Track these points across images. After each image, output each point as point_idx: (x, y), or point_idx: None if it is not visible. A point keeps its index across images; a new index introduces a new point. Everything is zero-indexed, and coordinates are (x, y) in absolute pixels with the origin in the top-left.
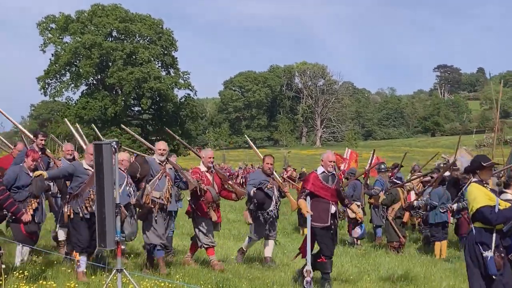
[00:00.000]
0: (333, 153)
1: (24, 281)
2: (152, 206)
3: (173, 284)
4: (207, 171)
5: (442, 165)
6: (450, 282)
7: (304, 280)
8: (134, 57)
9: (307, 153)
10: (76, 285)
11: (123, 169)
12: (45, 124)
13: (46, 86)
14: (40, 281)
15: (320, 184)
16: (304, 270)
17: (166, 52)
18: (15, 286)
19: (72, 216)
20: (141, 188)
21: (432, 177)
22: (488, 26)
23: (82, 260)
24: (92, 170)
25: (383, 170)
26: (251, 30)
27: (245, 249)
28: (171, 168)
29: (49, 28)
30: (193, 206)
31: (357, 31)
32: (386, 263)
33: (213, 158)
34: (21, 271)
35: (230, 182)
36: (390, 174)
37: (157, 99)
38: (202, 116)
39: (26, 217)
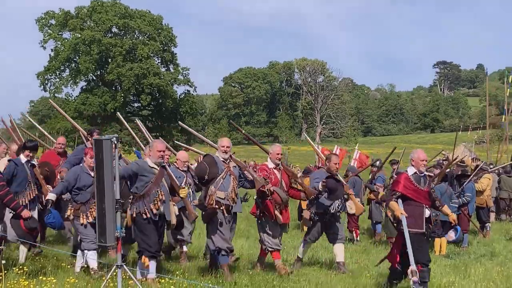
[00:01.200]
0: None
1: (24, 277)
2: (217, 207)
3: (173, 280)
4: (275, 168)
5: (442, 161)
6: (450, 278)
7: (411, 280)
8: (133, 53)
9: (307, 150)
10: (76, 281)
11: (181, 168)
12: (45, 120)
13: (46, 82)
14: (40, 277)
15: (412, 186)
16: (409, 270)
17: (165, 48)
18: (15, 281)
19: (135, 217)
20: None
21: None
22: (488, 22)
23: (152, 266)
24: (158, 169)
25: (378, 166)
26: (250, 26)
27: (301, 256)
28: (235, 166)
29: (49, 24)
30: (259, 206)
31: (357, 27)
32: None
33: (281, 154)
34: (21, 267)
35: (299, 180)
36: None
37: (157, 95)
38: (201, 113)
39: (26, 213)
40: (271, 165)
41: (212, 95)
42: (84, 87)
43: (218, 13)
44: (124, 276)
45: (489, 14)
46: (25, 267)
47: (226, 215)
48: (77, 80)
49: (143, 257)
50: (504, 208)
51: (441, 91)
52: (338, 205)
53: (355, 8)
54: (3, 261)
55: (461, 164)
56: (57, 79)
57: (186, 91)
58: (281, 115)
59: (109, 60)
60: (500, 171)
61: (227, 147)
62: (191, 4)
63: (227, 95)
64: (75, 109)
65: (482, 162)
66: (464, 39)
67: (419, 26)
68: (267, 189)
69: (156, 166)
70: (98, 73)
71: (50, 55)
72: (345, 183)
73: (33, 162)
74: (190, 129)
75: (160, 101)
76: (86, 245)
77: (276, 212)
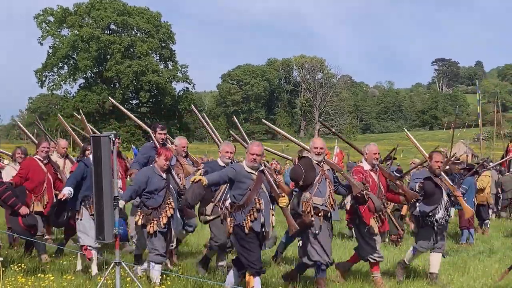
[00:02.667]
0: None
1: (22, 274)
2: (316, 214)
3: (170, 276)
4: (371, 170)
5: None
6: (449, 275)
7: None
8: (132, 50)
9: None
10: (73, 278)
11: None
12: (44, 117)
13: (44, 79)
14: (38, 274)
15: None
16: None
17: (164, 45)
18: (13, 278)
19: (235, 229)
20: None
21: None
22: (487, 19)
23: (257, 283)
24: (255, 174)
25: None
26: (249, 23)
27: (407, 262)
28: (329, 169)
29: (47, 21)
30: (356, 212)
31: (356, 25)
32: (384, 256)
33: (378, 154)
34: (19, 264)
35: (398, 182)
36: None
37: (155, 93)
38: (200, 110)
39: (24, 210)
40: (367, 166)
41: (211, 92)
42: (82, 85)
43: (218, 12)
44: (122, 274)
45: (488, 12)
46: (23, 264)
47: (323, 222)
48: (76, 77)
49: (247, 274)
50: (506, 205)
51: (439, 88)
52: (444, 212)
53: (354, 6)
54: (1, 258)
55: (456, 161)
56: (56, 76)
57: (184, 88)
58: (280, 112)
59: (108, 57)
60: (502, 170)
61: (320, 148)
62: (190, 4)
63: (225, 92)
64: (73, 106)
65: (478, 158)
66: (463, 36)
67: (418, 23)
68: (364, 194)
69: (253, 171)
70: (97, 70)
71: (48, 52)
72: (451, 184)
73: None
74: (278, 129)
75: (159, 98)
76: (154, 258)
77: (372, 221)
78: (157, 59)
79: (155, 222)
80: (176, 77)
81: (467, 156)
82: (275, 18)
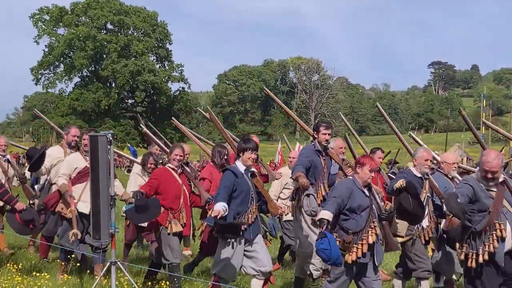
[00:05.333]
0: None
1: (18, 273)
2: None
3: (165, 275)
4: None
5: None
6: None
7: None
8: (128, 49)
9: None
10: (69, 277)
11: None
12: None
13: (40, 77)
14: (34, 273)
15: None
16: None
17: (160, 44)
18: (9, 277)
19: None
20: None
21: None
22: (483, 23)
23: None
24: (494, 190)
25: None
26: (246, 23)
27: None
28: None
29: (43, 20)
30: None
31: (353, 27)
32: (384, 258)
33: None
34: (14, 264)
35: None
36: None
37: (151, 92)
38: (196, 110)
39: (20, 205)
40: None
41: (207, 92)
42: (78, 83)
43: (217, 12)
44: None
45: (484, 15)
46: (20, 264)
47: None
48: (72, 76)
49: None
50: None
51: (435, 91)
52: None
53: (354, 6)
54: None
55: (460, 166)
56: (51, 74)
57: (180, 88)
58: (276, 113)
59: (104, 56)
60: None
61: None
62: (189, 4)
63: (221, 92)
64: (69, 105)
65: (472, 162)
66: (459, 39)
67: (415, 26)
68: None
69: (492, 187)
70: (93, 69)
71: (44, 50)
72: None
73: (253, 170)
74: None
75: (155, 98)
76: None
77: None
78: (153, 59)
79: (355, 250)
80: (172, 77)
81: (462, 159)
82: (274, 18)
